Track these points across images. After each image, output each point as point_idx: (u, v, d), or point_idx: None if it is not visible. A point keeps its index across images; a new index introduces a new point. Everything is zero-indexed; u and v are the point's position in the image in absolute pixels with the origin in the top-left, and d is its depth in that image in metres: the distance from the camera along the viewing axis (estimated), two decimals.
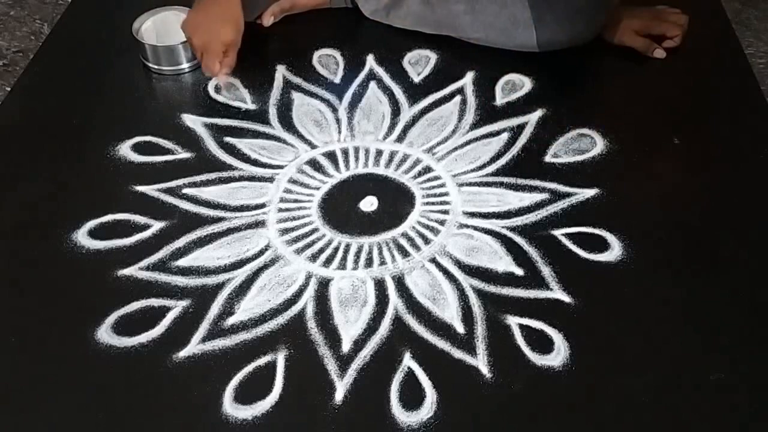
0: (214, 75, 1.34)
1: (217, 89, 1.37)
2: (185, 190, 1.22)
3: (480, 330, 1.03)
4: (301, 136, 1.30)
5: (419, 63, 1.42)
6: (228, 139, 1.30)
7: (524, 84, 1.37)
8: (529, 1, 1.33)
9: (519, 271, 1.10)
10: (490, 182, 1.22)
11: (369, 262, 1.12)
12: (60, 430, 0.97)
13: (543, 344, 1.01)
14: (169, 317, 1.06)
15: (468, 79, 1.38)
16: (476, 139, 1.28)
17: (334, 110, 1.34)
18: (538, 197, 1.19)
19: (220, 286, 1.09)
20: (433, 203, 1.19)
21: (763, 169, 1.23)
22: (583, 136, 1.28)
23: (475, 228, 1.15)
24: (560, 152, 1.25)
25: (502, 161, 1.25)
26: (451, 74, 1.39)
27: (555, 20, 1.33)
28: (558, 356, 1.00)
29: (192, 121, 1.33)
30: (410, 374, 0.99)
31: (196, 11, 1.34)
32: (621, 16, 1.40)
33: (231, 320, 1.05)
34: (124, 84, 1.43)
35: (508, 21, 1.36)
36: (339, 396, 0.97)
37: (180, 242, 1.15)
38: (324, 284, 1.09)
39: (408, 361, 1.00)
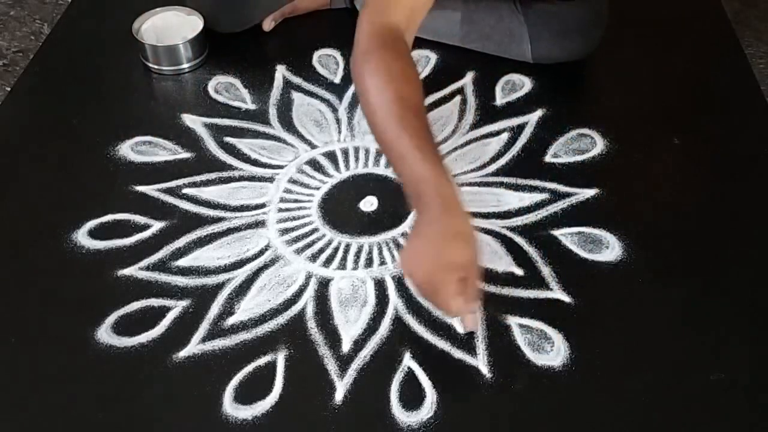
0: (459, 313, 0.99)
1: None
2: (185, 190, 1.22)
3: (480, 330, 1.03)
4: (301, 136, 1.30)
5: (419, 63, 1.42)
6: (228, 139, 1.30)
7: (524, 84, 1.37)
8: (525, 17, 1.35)
9: (519, 271, 1.10)
10: (490, 182, 1.22)
11: (369, 262, 1.12)
12: (60, 430, 0.97)
13: (543, 344, 1.01)
14: (169, 317, 1.06)
15: (468, 79, 1.38)
16: (476, 139, 1.28)
17: (334, 110, 1.34)
18: (538, 197, 1.19)
19: (220, 286, 1.09)
20: None
21: (763, 169, 1.23)
22: (583, 136, 1.28)
23: (475, 228, 1.15)
24: (560, 152, 1.25)
25: (502, 161, 1.25)
26: (451, 74, 1.39)
27: (550, 37, 1.35)
28: (558, 356, 1.00)
29: (192, 121, 1.33)
30: (410, 374, 0.99)
31: (408, 244, 1.00)
32: None
33: (231, 320, 1.05)
34: (124, 84, 1.43)
35: (504, 34, 1.37)
36: (339, 396, 0.97)
37: (180, 242, 1.15)
38: (324, 284, 1.09)
39: (408, 361, 1.00)
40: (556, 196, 1.19)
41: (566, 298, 1.06)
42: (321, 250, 1.14)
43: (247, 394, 0.97)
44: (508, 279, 1.09)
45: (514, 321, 1.04)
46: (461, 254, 0.95)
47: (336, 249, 1.14)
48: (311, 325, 1.05)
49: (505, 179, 1.22)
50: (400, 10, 1.08)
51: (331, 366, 1.00)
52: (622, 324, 1.04)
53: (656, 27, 1.49)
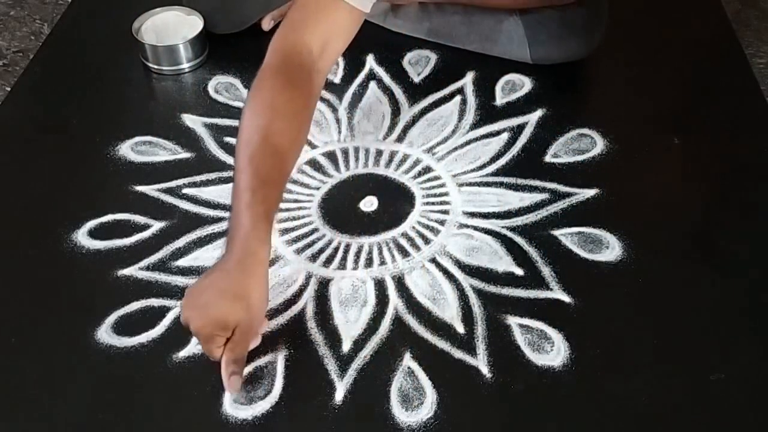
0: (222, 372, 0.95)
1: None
2: (185, 190, 1.22)
3: (480, 330, 1.03)
4: None
5: (419, 63, 1.42)
6: (228, 139, 1.29)
7: (524, 84, 1.37)
8: (523, 19, 1.35)
9: (519, 271, 1.10)
10: (490, 182, 1.22)
11: (369, 262, 1.12)
12: (60, 430, 0.97)
13: (543, 344, 1.01)
14: (169, 317, 1.06)
15: (468, 79, 1.38)
16: (476, 139, 1.28)
17: (334, 110, 1.34)
18: (538, 197, 1.19)
19: None
20: (433, 203, 1.19)
21: (763, 169, 1.23)
22: (583, 136, 1.28)
23: (475, 228, 1.15)
24: (560, 152, 1.25)
25: (502, 161, 1.25)
26: (451, 74, 1.39)
27: (549, 39, 1.35)
28: (558, 356, 1.00)
29: (192, 121, 1.33)
30: (410, 374, 0.99)
31: (194, 286, 0.99)
32: None
33: None
34: (124, 84, 1.43)
35: (503, 36, 1.37)
36: (339, 396, 0.97)
37: (180, 242, 1.15)
38: (324, 284, 1.09)
39: (408, 361, 1.00)
40: (556, 196, 1.19)
41: (566, 298, 1.06)
42: (321, 250, 1.14)
43: (247, 394, 0.97)
44: (508, 279, 1.09)
45: (514, 321, 1.04)
46: (234, 315, 0.93)
47: (336, 249, 1.14)
48: (311, 325, 1.05)
49: (505, 179, 1.22)
50: (318, 34, 1.08)
51: (331, 366, 1.00)
52: (622, 324, 1.04)
53: (656, 27, 1.49)
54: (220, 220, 1.17)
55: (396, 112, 1.33)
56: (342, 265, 1.11)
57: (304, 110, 1.08)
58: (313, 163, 1.26)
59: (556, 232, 1.14)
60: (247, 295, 0.95)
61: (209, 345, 0.94)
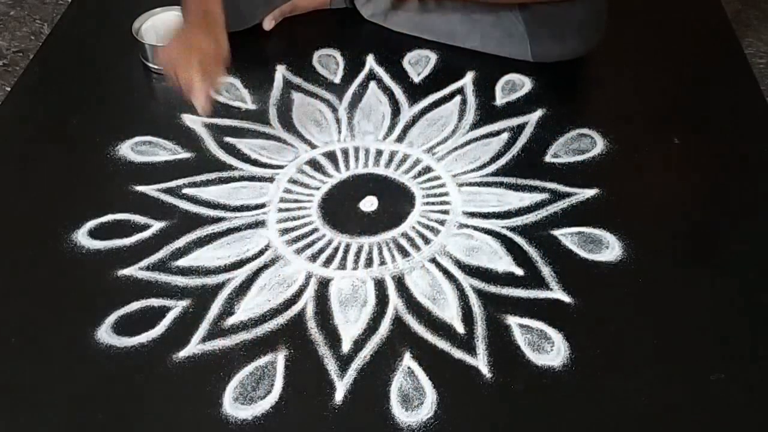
0: (204, 92, 1.19)
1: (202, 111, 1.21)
2: (185, 190, 1.22)
3: (480, 330, 1.03)
4: (301, 136, 1.30)
5: (419, 63, 1.42)
6: (228, 139, 1.30)
7: (524, 84, 1.37)
8: (523, 17, 1.35)
9: (519, 271, 1.10)
10: (490, 182, 1.22)
11: (369, 262, 1.12)
12: (60, 430, 0.97)
13: (543, 344, 1.01)
14: (169, 317, 1.06)
15: (468, 79, 1.38)
16: (476, 139, 1.28)
17: (334, 110, 1.34)
18: (538, 197, 1.19)
19: (220, 286, 1.09)
20: (433, 203, 1.19)
21: (763, 169, 1.23)
22: (583, 136, 1.28)
23: (475, 228, 1.15)
24: (560, 152, 1.26)
25: (502, 161, 1.25)
26: (451, 74, 1.39)
27: (549, 36, 1.35)
28: (558, 356, 1.00)
29: (192, 121, 1.33)
30: (410, 374, 0.99)
31: (173, 37, 1.25)
32: None
33: (231, 320, 1.05)
34: (124, 84, 1.43)
35: (503, 33, 1.37)
36: (339, 396, 0.97)
37: (180, 242, 1.15)
38: (324, 284, 1.09)
39: (408, 361, 1.00)
40: (556, 196, 1.19)
41: (566, 298, 1.06)
42: (321, 250, 1.14)
43: (247, 394, 0.97)
44: (508, 279, 1.09)
45: (514, 321, 1.04)
46: (206, 41, 1.19)
47: (336, 249, 1.14)
48: (311, 325, 1.05)
49: (505, 179, 1.22)
50: None
51: (331, 366, 1.00)
52: (622, 324, 1.04)
53: (656, 27, 1.49)
54: (220, 220, 1.18)
55: (396, 112, 1.34)
56: (342, 265, 1.12)
57: None
58: (313, 163, 1.26)
59: (556, 232, 1.14)
60: (213, 33, 1.21)
61: (181, 72, 1.17)
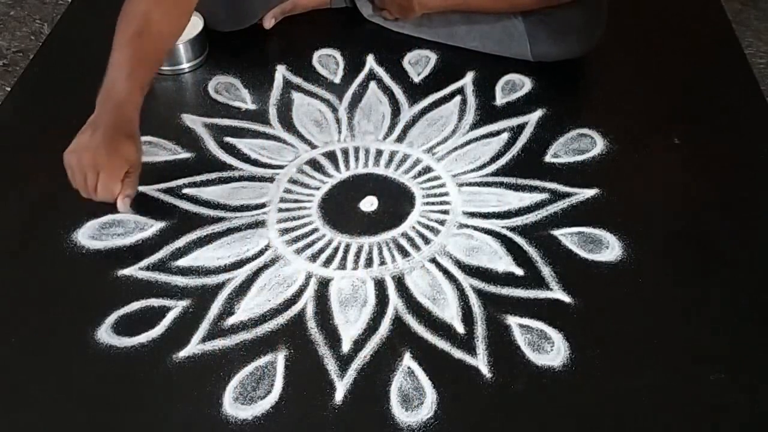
0: (112, 198, 1.13)
1: (109, 223, 1.16)
2: (185, 190, 1.22)
3: (480, 330, 1.03)
4: (301, 136, 1.30)
5: (419, 63, 1.42)
6: (228, 139, 1.30)
7: (524, 84, 1.37)
8: (523, 17, 1.35)
9: (519, 271, 1.10)
10: (490, 182, 1.22)
11: (369, 262, 1.12)
12: (60, 429, 0.97)
13: (543, 344, 1.01)
14: (169, 317, 1.06)
15: (468, 79, 1.38)
16: (476, 139, 1.28)
17: (334, 110, 1.34)
18: (538, 197, 1.19)
19: (220, 286, 1.09)
20: (433, 203, 1.19)
21: (763, 169, 1.23)
22: (583, 136, 1.28)
23: (475, 228, 1.15)
24: (560, 152, 1.25)
25: (502, 161, 1.25)
26: (451, 74, 1.39)
27: (549, 36, 1.35)
28: (558, 356, 1.00)
29: (192, 121, 1.33)
30: (410, 374, 0.99)
31: (84, 132, 1.14)
32: None
33: (231, 320, 1.05)
34: None
35: (503, 33, 1.37)
36: (339, 396, 0.97)
37: (180, 242, 1.15)
38: (324, 284, 1.09)
39: (408, 361, 1.00)
40: (556, 196, 1.19)
41: (566, 298, 1.06)
42: (321, 250, 1.14)
43: (247, 394, 0.97)
44: (508, 279, 1.09)
45: (514, 321, 1.04)
46: (132, 152, 1.13)
47: (336, 249, 1.14)
48: (311, 325, 1.05)
49: (505, 179, 1.22)
50: None
51: (331, 366, 1.00)
52: (622, 324, 1.04)
53: (656, 27, 1.49)
54: (220, 220, 1.18)
55: (396, 112, 1.34)
56: (342, 265, 1.12)
57: (184, 11, 1.24)
58: (313, 163, 1.26)
59: (556, 232, 1.14)
60: (135, 140, 1.14)
61: (114, 180, 1.11)
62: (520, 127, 1.30)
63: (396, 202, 1.20)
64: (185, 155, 1.28)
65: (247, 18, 1.45)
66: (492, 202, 1.19)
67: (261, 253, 1.13)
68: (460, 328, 1.03)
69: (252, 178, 1.24)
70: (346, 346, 1.02)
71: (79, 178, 1.12)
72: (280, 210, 1.19)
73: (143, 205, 1.19)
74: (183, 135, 1.30)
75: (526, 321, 1.04)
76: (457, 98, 1.35)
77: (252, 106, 1.35)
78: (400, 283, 1.09)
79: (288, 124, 1.32)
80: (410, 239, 1.14)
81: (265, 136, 1.30)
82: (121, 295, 1.08)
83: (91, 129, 1.13)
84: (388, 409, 0.96)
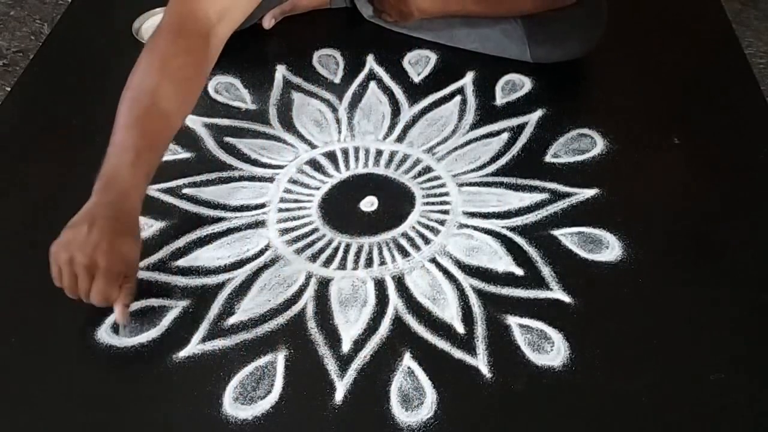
0: (107, 305, 1.01)
1: (115, 329, 1.03)
2: (185, 190, 1.22)
3: (480, 330, 1.03)
4: (301, 136, 1.30)
5: (419, 63, 1.42)
6: (228, 139, 1.30)
7: (524, 84, 1.37)
8: (522, 19, 1.35)
9: (519, 271, 1.09)
10: (491, 182, 1.22)
11: (369, 262, 1.12)
12: (60, 429, 0.97)
13: (543, 344, 1.01)
14: (169, 317, 1.06)
15: (468, 79, 1.38)
16: (476, 139, 1.28)
17: (334, 110, 1.34)
18: (538, 197, 1.19)
19: (220, 286, 1.09)
20: (433, 203, 1.19)
21: (763, 169, 1.23)
22: (583, 136, 1.28)
23: (475, 228, 1.15)
24: (560, 152, 1.25)
25: (502, 161, 1.25)
26: (451, 74, 1.39)
27: (548, 38, 1.35)
28: (558, 356, 1.00)
29: (192, 121, 1.33)
30: (410, 374, 0.99)
31: (78, 225, 1.00)
32: None
33: (231, 320, 1.05)
34: (124, 84, 1.42)
35: (502, 35, 1.37)
36: (339, 396, 0.97)
37: (180, 242, 1.15)
38: (324, 284, 1.09)
39: (408, 361, 1.00)
40: (556, 196, 1.19)
41: (566, 298, 1.06)
42: (321, 250, 1.14)
43: (247, 394, 0.97)
44: (508, 279, 1.09)
45: (514, 321, 1.04)
46: (132, 253, 1.01)
47: (336, 249, 1.14)
48: (311, 325, 1.05)
49: (505, 179, 1.22)
50: (214, 3, 1.11)
51: (331, 366, 1.00)
52: (622, 324, 1.04)
53: (656, 27, 1.49)
54: (220, 220, 1.18)
55: (396, 112, 1.34)
56: (342, 265, 1.11)
57: (196, 77, 1.12)
58: (313, 163, 1.26)
59: (556, 232, 1.14)
60: (135, 237, 1.03)
61: (112, 284, 0.99)
62: (520, 127, 1.30)
63: (396, 202, 1.20)
64: (185, 155, 1.27)
65: (247, 19, 1.44)
66: (492, 202, 1.19)
67: (261, 253, 1.13)
68: (460, 328, 1.03)
69: (252, 178, 1.24)
70: (346, 346, 1.02)
71: (69, 280, 0.99)
72: (280, 210, 1.19)
73: (143, 205, 1.19)
74: (183, 135, 1.30)
75: (526, 321, 1.04)
76: (457, 98, 1.35)
77: (252, 106, 1.35)
78: (400, 283, 1.09)
79: (288, 124, 1.32)
80: (410, 239, 1.14)
81: (265, 136, 1.30)
82: None
83: (88, 222, 0.99)
84: (388, 409, 0.96)
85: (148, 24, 1.43)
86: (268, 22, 1.47)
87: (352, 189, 1.22)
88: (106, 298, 1.00)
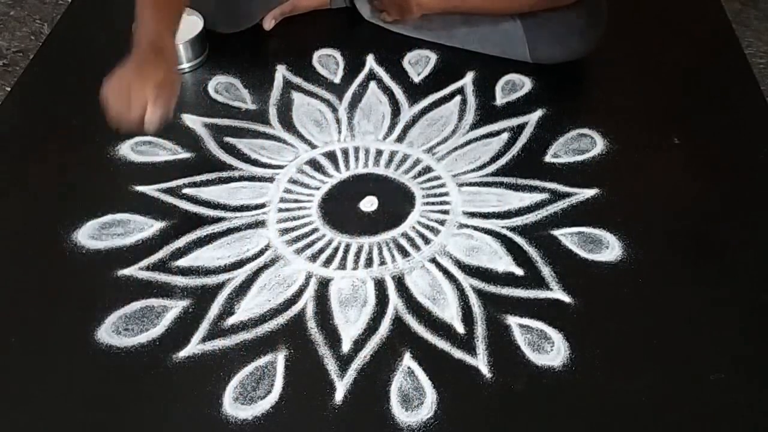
0: (141, 111, 1.11)
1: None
2: (185, 190, 1.22)
3: (480, 330, 1.03)
4: (301, 136, 1.30)
5: (419, 63, 1.42)
6: (228, 139, 1.30)
7: (524, 84, 1.37)
8: (522, 20, 1.35)
9: (519, 271, 1.10)
10: (491, 182, 1.22)
11: (369, 262, 1.12)
12: (60, 429, 0.97)
13: (543, 344, 1.01)
14: (169, 317, 1.06)
15: (468, 79, 1.38)
16: (476, 139, 1.28)
17: (334, 110, 1.34)
18: (538, 197, 1.19)
19: (220, 286, 1.09)
20: (433, 203, 1.19)
21: (763, 169, 1.23)
22: (583, 136, 1.28)
23: (475, 228, 1.15)
24: (560, 152, 1.25)
25: (502, 161, 1.25)
26: (451, 74, 1.39)
27: (548, 39, 1.35)
28: (558, 356, 1.00)
29: (192, 121, 1.33)
30: (410, 374, 0.99)
31: (122, 68, 1.15)
32: None
33: (231, 320, 1.05)
34: None
35: (501, 36, 1.37)
36: (339, 396, 0.97)
37: (180, 242, 1.15)
38: (324, 284, 1.09)
39: (408, 361, 1.00)
40: (556, 196, 1.19)
41: (566, 298, 1.06)
42: (321, 250, 1.14)
43: (247, 394, 0.97)
44: (508, 279, 1.09)
45: (514, 321, 1.04)
46: (162, 70, 1.13)
47: (336, 249, 1.14)
48: (311, 325, 1.05)
49: (505, 179, 1.22)
50: None
51: (331, 366, 1.00)
52: (622, 324, 1.04)
53: (656, 27, 1.49)
54: (220, 220, 1.18)
55: (396, 112, 1.34)
56: (342, 265, 1.12)
57: None
58: (313, 163, 1.26)
59: (556, 232, 1.14)
60: (168, 67, 1.15)
61: (141, 94, 1.10)
62: (520, 127, 1.30)
63: (396, 202, 1.20)
64: (185, 155, 1.28)
65: (247, 20, 1.45)
66: (492, 202, 1.19)
67: (261, 253, 1.13)
68: (460, 328, 1.03)
69: (252, 178, 1.24)
70: (346, 346, 1.02)
71: (113, 102, 1.12)
72: (280, 210, 1.19)
73: (143, 205, 1.19)
74: (183, 135, 1.30)
75: (526, 321, 1.04)
76: (457, 98, 1.35)
77: (252, 106, 1.35)
78: (400, 283, 1.09)
79: (288, 124, 1.32)
80: (410, 239, 1.14)
81: (265, 136, 1.30)
82: (121, 295, 1.08)
83: (129, 62, 1.15)
84: (388, 409, 0.96)
85: None
86: (268, 23, 1.47)
87: (352, 189, 1.22)
88: (138, 104, 1.10)
